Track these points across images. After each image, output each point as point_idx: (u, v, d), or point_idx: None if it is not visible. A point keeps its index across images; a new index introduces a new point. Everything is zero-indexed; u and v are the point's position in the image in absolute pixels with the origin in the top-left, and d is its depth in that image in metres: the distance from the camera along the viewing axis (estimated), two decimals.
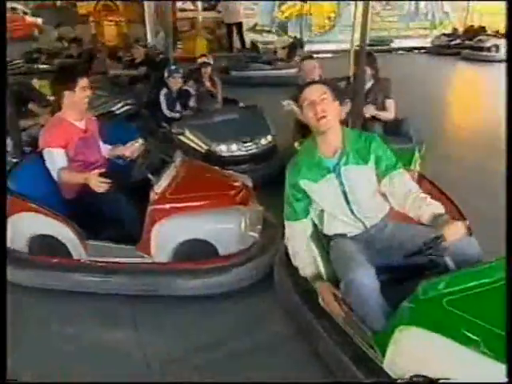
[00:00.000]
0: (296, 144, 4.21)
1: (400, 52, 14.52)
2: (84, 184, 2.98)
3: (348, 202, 2.21)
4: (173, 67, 5.40)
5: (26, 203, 2.93)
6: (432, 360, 1.76)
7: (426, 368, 1.76)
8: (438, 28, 15.71)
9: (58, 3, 14.42)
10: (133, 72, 7.02)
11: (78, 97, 3.00)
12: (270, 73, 9.61)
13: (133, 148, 3.18)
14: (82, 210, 3.02)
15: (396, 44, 15.01)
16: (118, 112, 6.13)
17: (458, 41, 13.48)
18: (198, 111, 5.26)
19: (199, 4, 13.24)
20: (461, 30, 14.31)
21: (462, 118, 7.92)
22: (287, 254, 2.74)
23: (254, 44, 11.89)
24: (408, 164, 3.26)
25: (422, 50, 14.30)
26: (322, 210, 2.30)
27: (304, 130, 4.43)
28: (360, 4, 3.86)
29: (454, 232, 1.91)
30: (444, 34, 14.31)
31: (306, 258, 2.33)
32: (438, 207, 2.09)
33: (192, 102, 5.37)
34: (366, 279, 1.98)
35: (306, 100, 2.15)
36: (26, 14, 15.58)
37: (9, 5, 15.35)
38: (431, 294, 1.81)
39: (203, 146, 4.53)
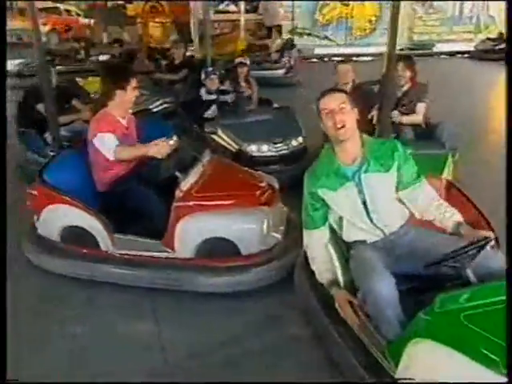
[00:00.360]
0: (326, 146, 4.12)
1: (443, 56, 14.01)
2: (118, 177, 3.05)
3: (367, 211, 2.13)
4: (209, 69, 5.42)
5: (60, 195, 3.00)
6: (446, 376, 1.65)
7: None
8: (483, 32, 15.03)
9: (110, 4, 14.76)
10: (174, 77, 6.99)
11: (129, 96, 3.04)
12: (255, 73, 9.49)
13: (161, 146, 3.11)
14: (113, 204, 3.06)
15: (438, 48, 14.50)
16: (155, 110, 6.20)
17: (503, 45, 12.85)
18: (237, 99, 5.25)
19: (242, 6, 13.23)
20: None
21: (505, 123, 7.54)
22: (307, 258, 2.69)
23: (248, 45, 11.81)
24: (440, 171, 3.10)
25: (466, 55, 13.73)
26: (341, 217, 2.23)
27: None
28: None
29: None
30: (489, 39, 13.66)
31: (323, 265, 2.27)
32: (458, 215, 2.11)
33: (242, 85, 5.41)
34: (384, 290, 1.90)
35: (324, 109, 2.08)
36: (79, 15, 16.13)
37: (64, 6, 15.94)
38: (448, 307, 1.71)
39: (234, 145, 4.51)
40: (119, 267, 2.97)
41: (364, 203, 2.12)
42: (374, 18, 14.58)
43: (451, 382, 1.59)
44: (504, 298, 1.66)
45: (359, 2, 14.30)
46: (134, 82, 3.03)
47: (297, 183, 3.89)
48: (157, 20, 13.59)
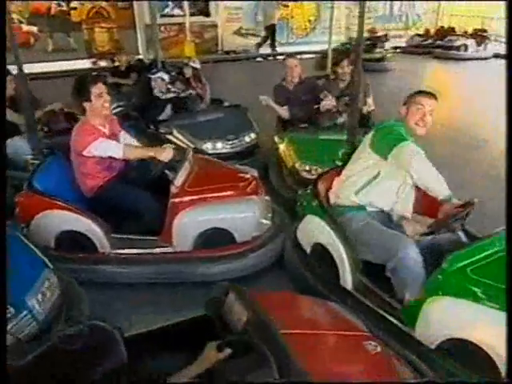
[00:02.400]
0: (276, 138, 4.24)
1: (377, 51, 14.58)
2: (103, 182, 3.02)
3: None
4: (158, 71, 5.40)
5: (54, 201, 2.91)
6: (459, 325, 1.85)
7: (457, 332, 1.85)
8: (411, 29, 15.87)
9: (53, 11, 14.03)
10: (127, 81, 6.75)
11: (96, 104, 2.91)
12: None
13: (167, 152, 2.97)
14: (103, 207, 3.00)
15: None
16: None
17: (430, 41, 13.63)
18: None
19: (186, 9, 13.05)
20: (432, 30, 14.47)
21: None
22: (295, 239, 2.84)
23: None
24: None
25: (398, 50, 14.41)
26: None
27: (284, 124, 4.49)
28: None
29: None
30: (417, 35, 14.43)
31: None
32: None
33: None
34: (415, 254, 2.10)
35: (420, 104, 2.30)
36: (21, 22, 15.19)
37: None
38: (456, 265, 1.92)
39: (190, 144, 4.48)
40: (118, 267, 2.94)
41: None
42: (312, 18, 14.95)
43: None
44: (500, 248, 1.90)
45: (299, 2, 14.60)
46: (96, 89, 2.89)
47: None
48: (103, 25, 13.15)
